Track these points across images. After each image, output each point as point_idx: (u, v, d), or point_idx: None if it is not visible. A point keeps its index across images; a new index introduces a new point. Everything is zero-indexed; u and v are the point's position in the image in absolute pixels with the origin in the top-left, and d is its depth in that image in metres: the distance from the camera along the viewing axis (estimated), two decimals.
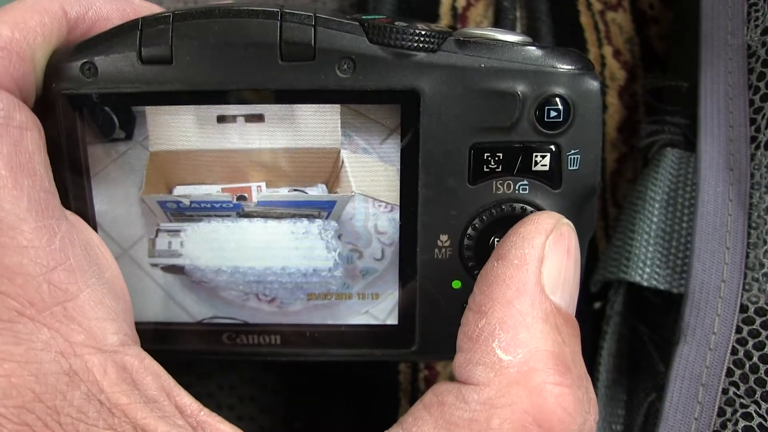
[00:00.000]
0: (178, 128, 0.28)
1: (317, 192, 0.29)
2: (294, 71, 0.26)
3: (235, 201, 0.29)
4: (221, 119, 0.28)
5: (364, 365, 0.39)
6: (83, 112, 0.28)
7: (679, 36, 0.40)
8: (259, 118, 0.28)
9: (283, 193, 0.29)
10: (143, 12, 0.29)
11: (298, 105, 0.28)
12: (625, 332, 0.38)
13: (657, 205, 0.36)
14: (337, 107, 0.28)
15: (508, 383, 0.24)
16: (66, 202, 0.27)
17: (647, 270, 0.35)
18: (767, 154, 0.32)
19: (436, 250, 0.28)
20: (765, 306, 0.31)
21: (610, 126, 0.40)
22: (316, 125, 0.28)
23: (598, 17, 0.41)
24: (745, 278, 0.32)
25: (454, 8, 0.41)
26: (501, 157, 0.27)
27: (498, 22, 0.40)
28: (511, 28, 0.40)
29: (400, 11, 0.40)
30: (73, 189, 0.28)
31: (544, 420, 0.23)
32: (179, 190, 0.29)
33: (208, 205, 0.29)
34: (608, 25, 0.41)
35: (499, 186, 0.28)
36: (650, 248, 0.35)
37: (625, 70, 0.41)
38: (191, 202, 0.29)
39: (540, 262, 0.25)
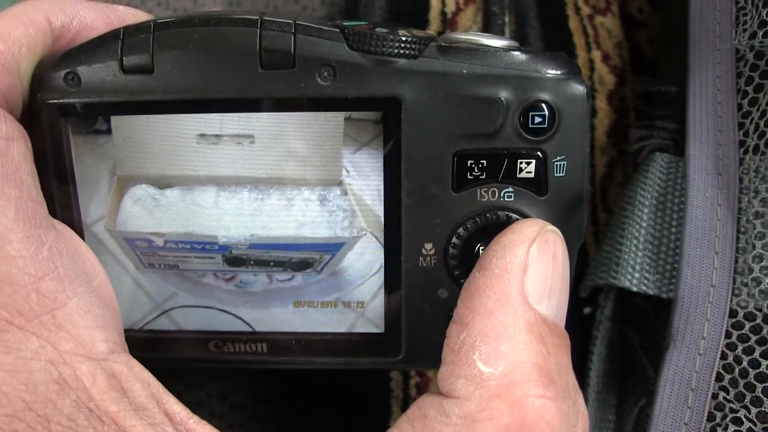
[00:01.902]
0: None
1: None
2: (274, 79, 0.26)
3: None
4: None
5: (356, 372, 0.39)
6: (68, 122, 0.28)
7: (667, 40, 0.40)
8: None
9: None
10: (128, 19, 0.29)
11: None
12: (615, 337, 0.38)
13: (646, 210, 0.36)
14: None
15: (488, 396, 0.23)
16: (52, 211, 0.27)
17: (636, 275, 0.35)
18: (756, 159, 0.32)
19: (421, 259, 0.28)
20: (754, 311, 0.31)
21: (600, 130, 0.40)
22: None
23: (586, 21, 0.41)
24: (734, 283, 0.32)
25: (443, 13, 0.41)
26: (485, 164, 0.27)
27: (487, 28, 0.40)
28: (500, 33, 0.40)
29: (391, 18, 0.40)
30: (60, 198, 0.29)
31: None
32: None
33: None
34: (597, 30, 0.41)
35: (484, 193, 0.28)
36: (639, 253, 0.35)
37: (614, 74, 0.41)
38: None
39: (522, 272, 0.24)
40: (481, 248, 0.28)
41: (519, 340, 0.24)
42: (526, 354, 0.24)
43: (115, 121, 0.28)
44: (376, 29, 0.26)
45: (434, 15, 0.40)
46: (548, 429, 0.23)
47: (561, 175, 0.27)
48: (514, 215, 0.27)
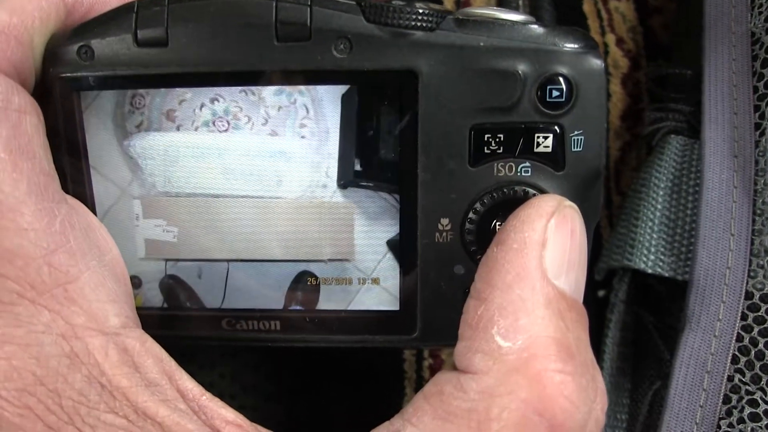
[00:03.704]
0: None
1: None
2: (290, 52, 0.26)
3: None
4: None
5: (369, 353, 0.39)
6: (81, 95, 0.28)
7: (683, 23, 0.39)
8: None
9: None
10: None
11: None
12: (629, 320, 0.38)
13: (661, 192, 0.35)
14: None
15: (507, 371, 0.23)
16: (65, 186, 0.27)
17: (651, 257, 0.35)
18: None
19: (437, 234, 0.28)
20: None
21: (614, 114, 0.40)
22: None
23: (601, 5, 0.41)
24: (750, 265, 0.32)
25: None
26: (502, 139, 0.27)
27: None
28: None
29: None
30: (72, 172, 0.28)
31: (545, 409, 0.23)
32: None
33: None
34: (611, 14, 0.41)
35: (501, 168, 0.27)
36: (654, 235, 0.35)
37: (628, 58, 0.40)
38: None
39: (541, 246, 0.24)
40: (497, 224, 0.27)
41: (538, 314, 0.23)
42: (544, 328, 0.23)
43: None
44: (393, 2, 0.26)
45: None
46: (567, 404, 0.23)
47: (578, 150, 0.27)
48: (531, 190, 0.27)
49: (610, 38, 0.40)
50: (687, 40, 0.38)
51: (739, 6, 0.34)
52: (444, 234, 0.28)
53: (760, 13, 0.33)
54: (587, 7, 0.41)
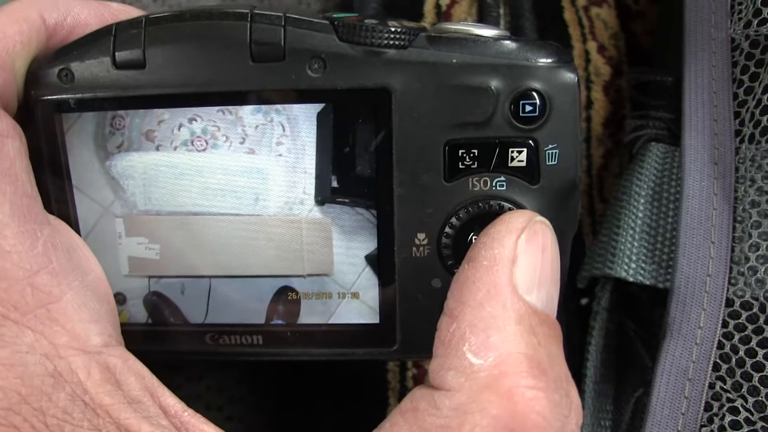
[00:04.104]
0: None
1: None
2: (265, 72, 0.27)
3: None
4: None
5: (352, 365, 0.39)
6: (62, 117, 0.28)
7: (664, 30, 0.40)
8: None
9: None
10: (122, 16, 0.29)
11: None
12: (612, 328, 0.38)
13: (642, 200, 0.36)
14: None
15: (479, 388, 0.23)
16: (48, 207, 0.27)
17: (633, 265, 0.35)
18: (752, 148, 0.32)
19: (414, 249, 0.28)
20: (751, 300, 0.31)
21: (596, 122, 0.40)
22: None
23: (582, 13, 0.41)
24: (730, 272, 0.32)
25: (438, 6, 0.41)
26: (476, 154, 0.27)
27: (481, 19, 0.40)
28: (495, 25, 0.40)
29: (385, 10, 0.40)
30: (56, 192, 0.29)
31: (517, 425, 0.23)
32: None
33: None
34: (592, 21, 0.41)
35: (476, 183, 0.28)
36: (636, 243, 0.35)
37: (610, 65, 0.41)
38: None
39: (511, 263, 0.24)
40: (473, 238, 0.28)
41: (509, 331, 0.24)
42: (516, 345, 0.24)
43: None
44: (366, 20, 0.26)
45: (429, 8, 0.41)
46: (539, 420, 0.23)
47: (553, 163, 0.27)
48: (506, 204, 0.27)
49: (592, 45, 0.41)
50: (668, 47, 0.38)
51: (718, 12, 0.34)
52: (421, 248, 0.28)
53: (740, 19, 0.33)
54: (568, 15, 0.41)
